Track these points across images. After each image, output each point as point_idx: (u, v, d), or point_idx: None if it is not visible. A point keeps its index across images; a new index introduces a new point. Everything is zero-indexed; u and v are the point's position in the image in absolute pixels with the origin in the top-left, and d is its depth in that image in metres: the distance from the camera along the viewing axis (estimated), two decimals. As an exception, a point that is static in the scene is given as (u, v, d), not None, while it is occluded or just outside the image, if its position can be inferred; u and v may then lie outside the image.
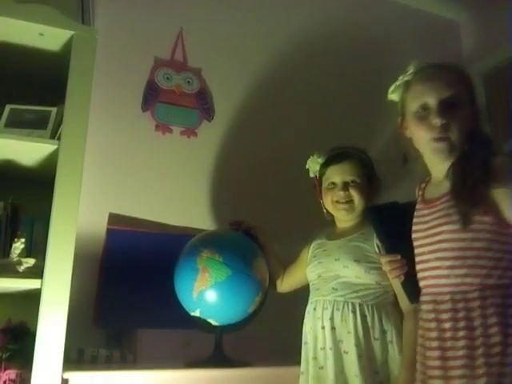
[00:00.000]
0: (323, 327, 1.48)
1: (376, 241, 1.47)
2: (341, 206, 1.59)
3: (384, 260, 1.30)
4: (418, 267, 1.26)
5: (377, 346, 1.44)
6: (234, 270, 1.53)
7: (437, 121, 1.21)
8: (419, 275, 1.26)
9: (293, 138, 2.19)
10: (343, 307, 1.47)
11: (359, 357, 1.41)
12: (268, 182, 2.13)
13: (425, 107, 1.25)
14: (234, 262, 1.54)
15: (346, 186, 1.58)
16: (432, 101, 1.23)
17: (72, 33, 1.56)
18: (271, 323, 1.79)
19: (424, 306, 1.24)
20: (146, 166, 1.98)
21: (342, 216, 1.63)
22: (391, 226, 1.31)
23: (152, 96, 2.05)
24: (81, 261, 1.54)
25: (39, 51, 1.61)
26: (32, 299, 1.40)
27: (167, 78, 2.10)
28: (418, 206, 1.33)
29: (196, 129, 2.09)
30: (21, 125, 1.51)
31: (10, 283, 1.37)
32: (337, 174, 1.61)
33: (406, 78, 1.32)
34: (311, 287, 1.61)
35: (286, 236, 1.89)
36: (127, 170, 1.95)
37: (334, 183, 1.61)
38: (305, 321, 1.58)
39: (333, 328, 1.47)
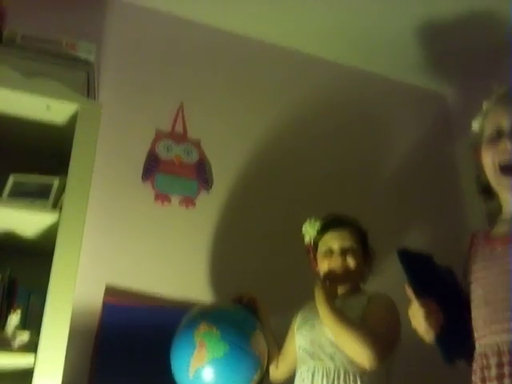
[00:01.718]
0: None
1: (406, 285, 1.33)
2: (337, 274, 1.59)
3: (416, 306, 1.11)
4: (480, 312, 1.11)
5: None
6: (232, 346, 1.48)
7: (508, 143, 1.13)
8: (480, 322, 1.10)
9: (291, 209, 2.21)
10: (344, 377, 1.43)
11: None
12: (267, 253, 2.12)
13: (499, 131, 1.17)
14: (232, 337, 1.49)
15: (344, 253, 1.58)
16: (506, 123, 1.15)
17: (77, 106, 1.60)
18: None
19: (480, 363, 1.08)
20: (144, 235, 1.98)
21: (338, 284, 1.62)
22: (423, 272, 1.18)
23: (152, 166, 2.09)
24: (76, 335, 1.49)
25: (45, 123, 1.65)
26: (24, 375, 1.34)
27: (167, 149, 2.14)
28: (481, 247, 1.20)
29: (195, 199, 2.11)
30: (23, 195, 1.51)
31: (4, 359, 1.33)
32: (335, 240, 1.61)
33: (487, 105, 1.25)
34: (302, 352, 1.55)
35: (286, 307, 1.85)
36: (126, 240, 1.94)
37: (331, 250, 1.61)
38: None
39: None
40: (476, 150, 1.24)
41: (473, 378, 1.12)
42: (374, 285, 1.67)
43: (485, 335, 1.10)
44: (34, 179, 1.57)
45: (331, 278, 1.60)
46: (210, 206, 2.13)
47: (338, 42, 2.48)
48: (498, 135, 1.16)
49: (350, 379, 1.42)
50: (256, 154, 2.29)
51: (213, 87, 2.32)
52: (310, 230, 1.71)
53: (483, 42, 2.41)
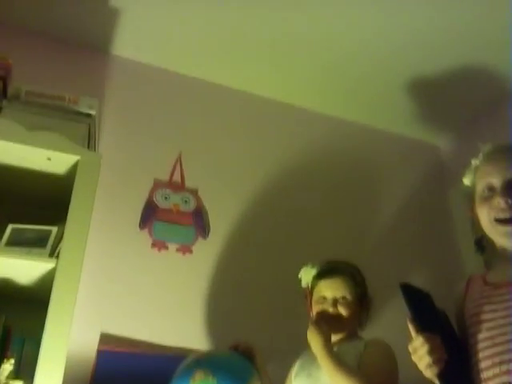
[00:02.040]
0: None
1: (408, 320, 1.28)
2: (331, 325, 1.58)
3: (419, 340, 1.10)
4: (488, 353, 1.12)
5: None
6: None
7: (500, 200, 1.19)
8: (489, 363, 1.11)
9: (287, 257, 2.23)
10: None
11: None
12: (264, 301, 2.13)
13: (490, 188, 1.23)
14: (228, 385, 1.49)
15: (335, 302, 1.59)
16: (497, 181, 1.22)
17: (78, 158, 1.64)
18: None
19: None
20: (141, 283, 2.00)
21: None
22: (424, 308, 1.19)
23: (149, 214, 2.13)
24: (69, 382, 1.50)
25: (46, 174, 1.70)
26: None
27: (165, 198, 2.19)
28: (481, 290, 1.24)
29: (191, 246, 2.14)
30: (21, 244, 1.54)
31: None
32: (328, 289, 1.62)
33: (477, 162, 1.32)
34: None
35: (283, 355, 1.84)
36: (122, 287, 1.96)
37: (324, 297, 1.62)
38: None
39: None
40: (470, 206, 1.31)
41: None
42: (373, 329, 1.67)
43: (495, 376, 1.10)
44: (33, 228, 1.61)
45: (322, 321, 1.59)
46: (206, 253, 2.15)
47: (332, 95, 2.56)
48: (490, 192, 1.23)
49: None
50: (253, 202, 2.33)
51: (210, 138, 2.39)
52: (305, 276, 1.73)
53: (477, 94, 2.49)
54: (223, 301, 2.09)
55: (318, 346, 1.49)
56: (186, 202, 2.22)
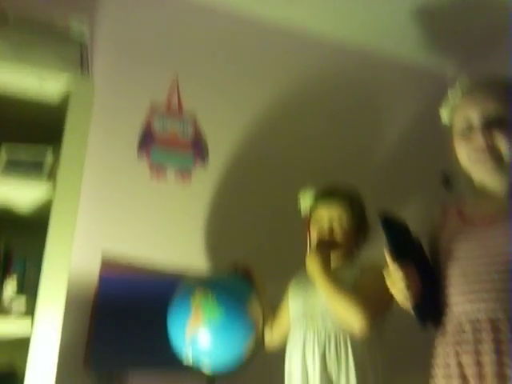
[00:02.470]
0: (314, 360, 1.45)
1: (384, 249, 1.33)
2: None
3: (394, 268, 1.14)
4: (457, 282, 1.17)
5: (368, 381, 1.43)
6: (228, 310, 1.51)
7: (479, 138, 1.18)
8: (457, 291, 1.16)
9: (288, 182, 2.21)
10: (335, 340, 1.46)
11: None
12: (263, 225, 2.14)
13: (468, 124, 1.22)
14: (228, 302, 1.52)
15: (331, 227, 1.60)
16: (475, 118, 1.20)
17: (71, 81, 1.58)
18: (264, 368, 1.75)
19: (453, 328, 1.15)
20: (140, 208, 1.99)
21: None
22: (401, 238, 1.23)
23: (147, 141, 2.09)
24: (72, 304, 1.53)
25: (38, 101, 1.63)
26: (21, 343, 1.37)
27: (163, 125, 2.14)
28: (456, 223, 1.26)
29: (190, 174, 2.12)
30: (17, 166, 1.51)
31: (1, 324, 1.35)
32: (325, 212, 1.63)
33: (454, 97, 1.30)
34: (294, 317, 1.58)
35: (281, 278, 1.88)
36: (121, 214, 1.96)
37: (321, 221, 1.62)
38: (290, 353, 1.55)
39: (323, 362, 1.44)
40: (450, 142, 1.30)
41: (441, 341, 1.19)
42: (371, 252, 1.68)
43: (461, 303, 1.15)
44: (27, 149, 1.57)
45: (321, 247, 1.61)
46: (206, 180, 2.13)
47: (338, 21, 2.44)
48: (469, 129, 1.22)
49: (340, 344, 1.45)
50: (253, 129, 2.29)
51: (209, 61, 2.30)
52: (304, 200, 1.73)
53: (484, 22, 2.38)
54: (222, 226, 2.09)
55: (316, 270, 1.52)
56: (184, 128, 2.17)
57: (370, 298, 1.44)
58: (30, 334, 1.33)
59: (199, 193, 2.11)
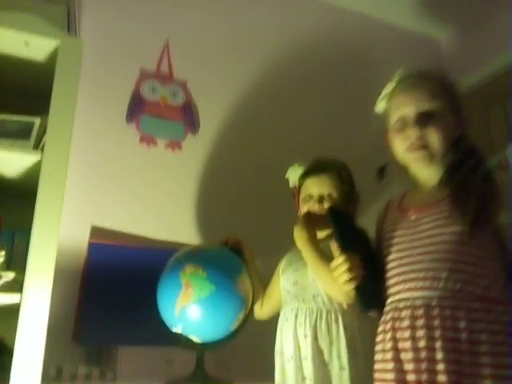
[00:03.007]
0: (306, 336, 1.47)
1: (332, 241, 1.41)
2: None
3: (341, 258, 1.23)
4: (395, 272, 1.24)
5: (357, 358, 1.44)
6: (218, 287, 1.50)
7: (412, 133, 1.23)
8: (395, 280, 1.23)
9: (278, 150, 2.19)
10: (326, 316, 1.47)
11: (340, 368, 1.42)
12: (254, 195, 2.12)
13: (403, 118, 1.26)
14: (218, 278, 1.51)
15: (321, 199, 1.59)
16: (410, 112, 1.25)
17: (57, 42, 1.53)
18: (254, 340, 1.77)
19: (392, 314, 1.21)
20: (129, 178, 1.96)
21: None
22: (348, 229, 1.33)
23: (137, 108, 2.04)
24: (61, 275, 1.51)
25: (24, 61, 1.58)
26: (10, 314, 1.35)
27: (152, 90, 2.09)
28: (395, 215, 1.33)
29: (181, 142, 2.08)
30: (3, 135, 1.47)
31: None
32: (314, 186, 1.61)
33: (388, 90, 1.34)
34: (286, 294, 1.59)
35: (272, 250, 1.88)
36: (111, 183, 1.93)
37: (310, 195, 1.61)
38: (281, 328, 1.56)
39: (315, 337, 1.46)
40: (386, 135, 1.34)
41: (382, 328, 1.25)
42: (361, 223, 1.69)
43: (399, 291, 1.22)
44: (14, 119, 1.53)
45: (310, 221, 1.60)
46: (196, 149, 2.10)
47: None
48: (403, 123, 1.26)
49: (331, 318, 1.47)
50: (244, 95, 2.24)
51: (200, 27, 2.23)
52: (292, 175, 1.71)
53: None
54: (213, 197, 2.07)
55: (302, 242, 1.52)
56: (174, 94, 2.12)
57: None
58: (19, 305, 1.31)
59: (190, 163, 2.08)
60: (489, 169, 1.23)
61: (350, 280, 1.22)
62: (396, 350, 1.17)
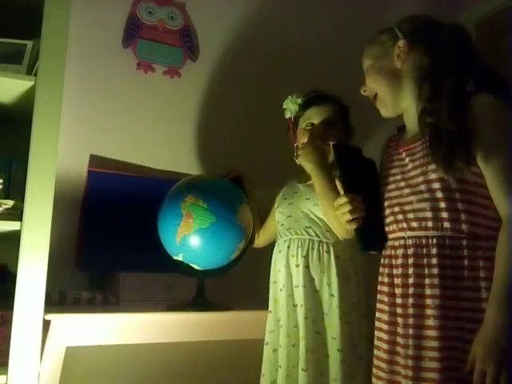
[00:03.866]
0: (297, 265, 1.49)
1: (337, 179, 1.35)
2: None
3: (344, 199, 1.24)
4: (388, 211, 1.25)
5: (349, 286, 1.47)
6: (218, 217, 1.50)
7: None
8: (389, 220, 1.24)
9: (281, 79, 2.12)
10: (318, 246, 1.49)
11: (330, 295, 1.45)
12: (255, 124, 2.08)
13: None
14: (219, 209, 1.51)
15: (325, 126, 1.58)
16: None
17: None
18: (253, 268, 1.80)
19: (390, 252, 1.24)
20: (127, 106, 1.91)
21: None
22: (353, 168, 1.31)
23: (133, 31, 1.95)
24: (61, 203, 1.51)
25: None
26: (12, 241, 1.37)
27: (149, 13, 1.99)
28: (391, 152, 1.33)
29: (180, 68, 2.01)
30: (-5, 59, 1.42)
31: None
32: (317, 115, 1.60)
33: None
34: (280, 227, 1.61)
35: (272, 181, 1.86)
36: (108, 111, 1.88)
37: (313, 124, 1.59)
38: (275, 259, 1.59)
39: (307, 267, 1.48)
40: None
41: (381, 262, 1.29)
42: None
43: (394, 230, 1.24)
44: (5, 42, 1.47)
45: (315, 140, 1.58)
46: (196, 76, 2.03)
47: None
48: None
49: (323, 248, 1.49)
50: (247, 18, 2.14)
51: None
52: (291, 106, 1.66)
53: None
54: (213, 126, 2.03)
55: (314, 165, 1.51)
56: (172, 17, 2.02)
57: None
58: (20, 234, 1.32)
59: (189, 91, 2.02)
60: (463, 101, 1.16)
61: (351, 221, 1.24)
62: (391, 286, 1.22)
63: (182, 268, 1.58)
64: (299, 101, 1.64)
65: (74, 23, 1.48)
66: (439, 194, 1.14)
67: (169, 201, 1.57)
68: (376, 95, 1.33)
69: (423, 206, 1.16)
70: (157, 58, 1.98)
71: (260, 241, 1.76)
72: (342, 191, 1.27)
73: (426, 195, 1.16)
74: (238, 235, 1.57)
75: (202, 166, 1.98)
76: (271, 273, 1.59)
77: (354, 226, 1.25)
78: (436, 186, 1.15)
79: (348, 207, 1.22)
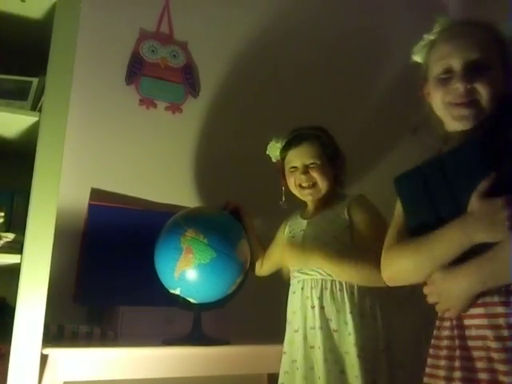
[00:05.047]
0: (313, 307, 1.48)
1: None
2: (306, 191, 1.59)
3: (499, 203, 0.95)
4: None
5: (365, 322, 1.46)
6: (219, 253, 1.51)
7: (459, 85, 1.08)
8: None
9: (280, 114, 2.16)
10: (331, 286, 1.48)
11: (348, 334, 1.43)
12: (254, 159, 2.10)
13: (448, 70, 1.11)
14: (219, 245, 1.52)
15: (306, 169, 1.58)
16: (456, 63, 1.09)
17: (55, -1, 1.50)
18: (250, 302, 1.80)
19: None
20: (129, 141, 1.95)
21: (309, 200, 1.63)
22: (417, 195, 1.08)
23: (136, 69, 2.00)
24: (62, 236, 1.52)
25: (20, 18, 1.55)
26: (11, 274, 1.37)
27: (152, 51, 2.05)
28: None
29: (181, 104, 2.06)
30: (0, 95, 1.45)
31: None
32: (296, 158, 1.60)
33: (431, 37, 1.17)
34: (291, 268, 1.60)
35: (270, 214, 1.87)
36: (110, 145, 1.91)
37: (294, 167, 1.60)
38: (290, 300, 1.58)
39: (322, 307, 1.47)
40: (422, 85, 1.19)
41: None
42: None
43: None
44: (11, 79, 1.51)
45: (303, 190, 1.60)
46: (196, 112, 2.08)
47: None
48: (448, 74, 1.11)
49: (336, 287, 1.48)
50: (246, 57, 2.20)
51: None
52: (272, 151, 1.70)
53: None
54: (212, 160, 2.06)
55: (311, 260, 1.50)
56: (174, 56, 2.08)
57: (376, 244, 1.29)
58: (20, 266, 1.32)
59: (190, 126, 2.06)
60: None
61: None
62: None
63: (179, 302, 1.57)
64: (279, 145, 1.67)
65: (78, 60, 1.52)
66: None
67: (167, 233, 1.58)
68: (471, 101, 1.09)
69: None
70: (159, 94, 2.03)
71: (264, 270, 1.76)
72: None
73: None
74: (236, 270, 1.58)
75: (202, 199, 2.00)
76: (287, 312, 1.58)
77: None
78: None
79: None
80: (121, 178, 1.90)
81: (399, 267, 1.10)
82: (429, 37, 1.18)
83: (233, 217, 1.70)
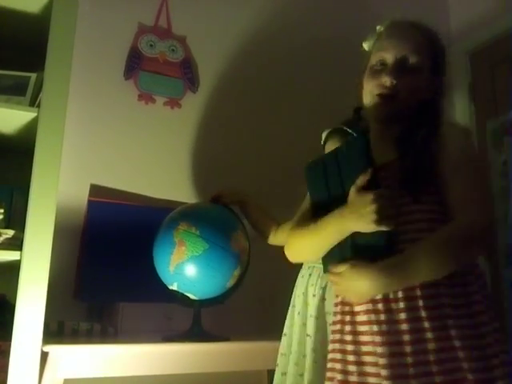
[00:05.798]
0: (314, 295, 1.47)
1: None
2: None
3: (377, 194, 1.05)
4: None
5: None
6: (211, 244, 1.49)
7: (387, 79, 1.15)
8: None
9: (278, 109, 2.15)
10: None
11: None
12: (253, 154, 2.11)
13: (382, 63, 1.19)
14: (211, 236, 1.50)
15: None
16: (390, 58, 1.18)
17: (52, -5, 1.48)
18: (250, 298, 1.79)
19: None
20: (128, 136, 1.94)
21: None
22: (318, 182, 1.18)
23: (135, 64, 1.99)
24: (61, 232, 1.52)
25: (18, 13, 1.53)
26: (11, 271, 1.37)
27: (151, 45, 2.03)
28: None
29: (180, 100, 2.04)
30: (-1, 91, 1.44)
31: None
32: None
33: (380, 29, 1.27)
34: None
35: (269, 209, 1.87)
36: (109, 140, 1.90)
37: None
38: (297, 283, 1.56)
39: (323, 299, 1.46)
40: (360, 73, 1.27)
41: None
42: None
43: None
44: (9, 75, 1.50)
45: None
46: (195, 106, 2.07)
47: None
48: (381, 66, 1.20)
49: None
50: (245, 51, 2.18)
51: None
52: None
53: None
54: (212, 155, 2.05)
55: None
56: (173, 50, 2.07)
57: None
58: (20, 263, 1.32)
59: (189, 121, 2.05)
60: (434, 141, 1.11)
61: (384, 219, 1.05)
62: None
63: (178, 298, 1.56)
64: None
65: (77, 55, 1.51)
66: (405, 218, 1.08)
67: (162, 229, 1.57)
68: (392, 95, 1.18)
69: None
70: (157, 89, 2.01)
71: (279, 239, 1.64)
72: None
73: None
74: (232, 262, 1.55)
75: (202, 194, 1.99)
76: (292, 295, 1.56)
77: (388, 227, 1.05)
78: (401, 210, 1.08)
79: (378, 203, 1.04)
80: (120, 173, 1.89)
81: (299, 246, 1.25)
82: (379, 29, 1.27)
83: (226, 208, 1.67)
